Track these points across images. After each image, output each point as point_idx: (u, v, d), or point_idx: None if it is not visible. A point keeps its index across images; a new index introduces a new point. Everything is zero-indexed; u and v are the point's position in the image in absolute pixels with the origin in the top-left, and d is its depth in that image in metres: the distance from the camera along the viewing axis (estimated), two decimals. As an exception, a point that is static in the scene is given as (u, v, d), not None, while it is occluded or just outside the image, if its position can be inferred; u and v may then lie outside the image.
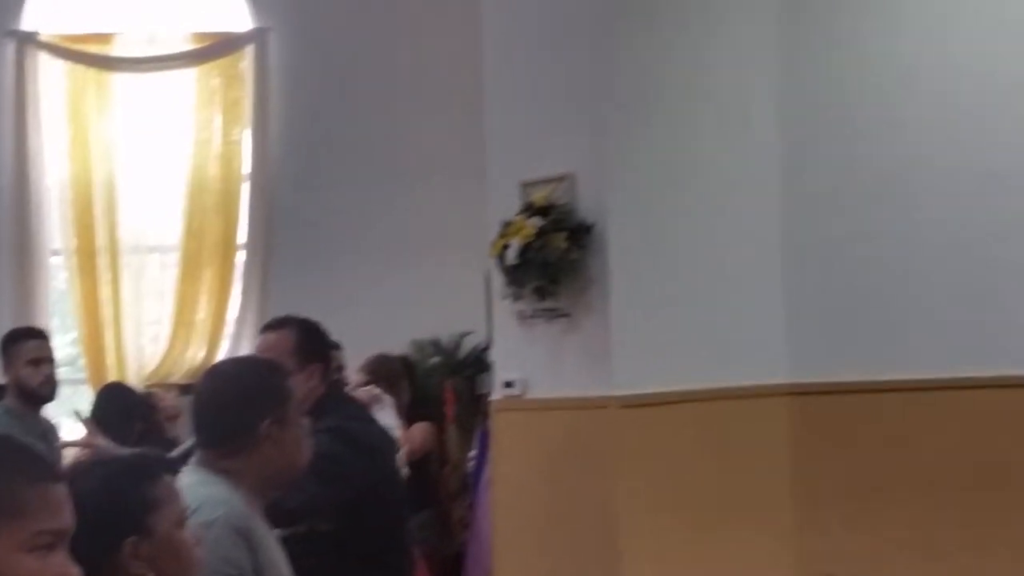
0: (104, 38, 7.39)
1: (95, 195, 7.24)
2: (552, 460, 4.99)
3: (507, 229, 4.88)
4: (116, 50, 7.36)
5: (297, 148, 7.37)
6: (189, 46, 7.41)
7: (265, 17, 7.40)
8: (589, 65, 4.93)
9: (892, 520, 5.00)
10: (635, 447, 4.83)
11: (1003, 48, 4.89)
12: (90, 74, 7.30)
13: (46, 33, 7.34)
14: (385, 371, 6.06)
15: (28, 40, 7.25)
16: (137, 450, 2.80)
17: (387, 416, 5.34)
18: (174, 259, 7.31)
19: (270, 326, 3.73)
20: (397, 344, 6.68)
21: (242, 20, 7.48)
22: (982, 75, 4.93)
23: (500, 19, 5.24)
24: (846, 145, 5.19)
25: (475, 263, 5.65)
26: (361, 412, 3.95)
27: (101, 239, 7.22)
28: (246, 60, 7.39)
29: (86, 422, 4.91)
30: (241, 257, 7.37)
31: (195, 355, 7.24)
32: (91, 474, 2.12)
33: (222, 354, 7.19)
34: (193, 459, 2.73)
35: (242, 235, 7.38)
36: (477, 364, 6.72)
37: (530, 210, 4.86)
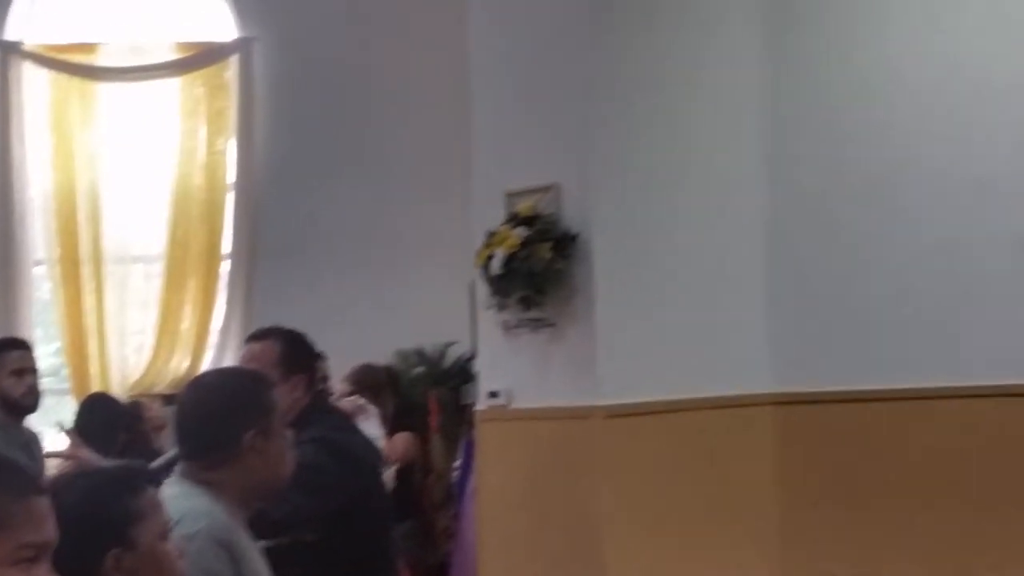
0: (88, 48, 7.38)
1: (79, 205, 7.23)
2: (537, 470, 4.98)
3: (492, 239, 4.88)
4: (100, 60, 7.36)
5: (282, 158, 7.37)
6: (173, 56, 7.40)
7: (250, 27, 7.40)
8: (574, 76, 4.93)
9: (876, 528, 5.01)
10: (620, 457, 4.83)
11: (991, 54, 4.90)
12: (74, 83, 7.29)
13: (30, 42, 7.33)
14: (370, 381, 6.05)
15: (12, 49, 7.24)
16: (120, 462, 2.80)
17: (372, 426, 5.33)
18: (158, 269, 7.30)
19: (255, 336, 3.72)
20: (381, 354, 6.67)
21: (227, 30, 7.48)
22: (970, 81, 4.94)
23: (486, 29, 5.25)
24: (831, 156, 5.21)
25: (460, 273, 5.65)
26: (346, 423, 3.94)
27: (85, 249, 7.21)
28: (231, 70, 7.40)
29: (69, 433, 4.89)
30: (226, 267, 7.37)
31: (179, 365, 7.23)
32: (74, 486, 2.11)
33: (206, 364, 7.18)
34: (176, 470, 2.72)
35: (227, 245, 7.37)
36: (462, 374, 6.72)
37: (515, 220, 4.87)
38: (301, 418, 3.46)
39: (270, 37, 7.38)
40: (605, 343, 4.79)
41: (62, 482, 2.12)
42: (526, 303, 4.85)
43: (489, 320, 5.07)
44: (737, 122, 5.24)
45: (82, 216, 7.22)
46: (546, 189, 4.91)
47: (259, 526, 2.83)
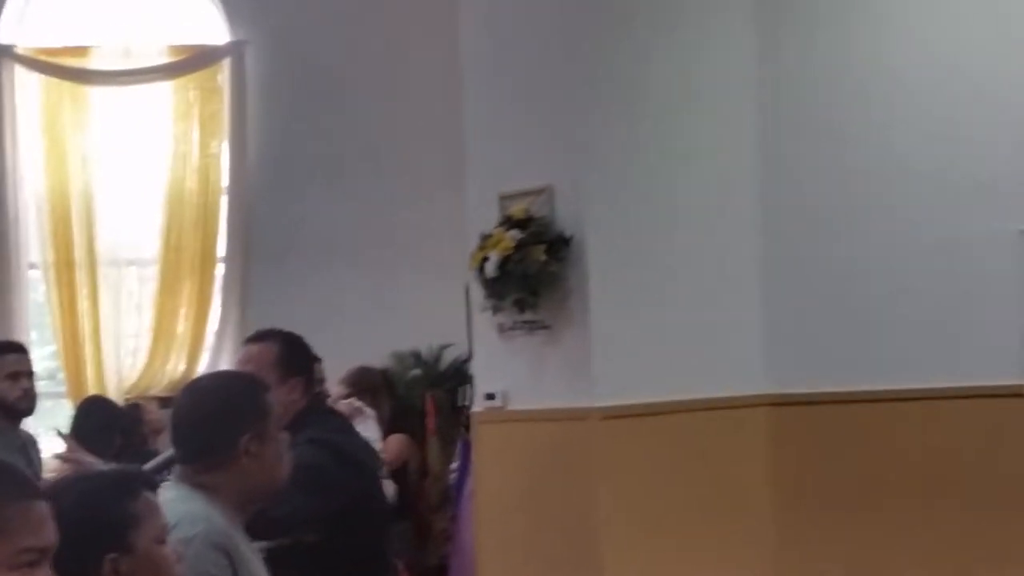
0: (80, 51, 7.37)
1: (73, 208, 7.22)
2: (534, 471, 4.99)
3: (486, 242, 4.89)
4: (92, 63, 7.35)
5: (275, 161, 7.36)
6: (166, 59, 7.40)
7: (242, 30, 7.39)
8: (567, 77, 4.94)
9: (871, 529, 5.02)
10: (616, 458, 4.84)
11: (989, 54, 4.91)
12: (66, 87, 7.28)
13: (22, 46, 7.32)
14: (366, 383, 6.06)
15: (4, 53, 7.22)
16: (117, 466, 2.80)
17: (369, 429, 5.34)
18: (153, 272, 7.29)
19: (253, 338, 3.71)
20: (377, 356, 6.68)
21: (219, 33, 7.47)
22: (968, 81, 4.94)
23: (478, 32, 5.25)
24: (825, 156, 5.21)
25: (455, 275, 5.65)
26: (344, 425, 3.94)
27: (79, 252, 7.20)
28: (223, 73, 7.39)
29: (66, 438, 4.89)
30: (220, 270, 7.36)
31: (175, 368, 7.23)
32: (71, 490, 2.12)
33: (202, 367, 7.17)
34: (172, 474, 2.72)
35: (221, 248, 7.37)
36: (458, 376, 6.73)
37: (509, 223, 4.87)
38: (299, 420, 3.46)
39: (262, 40, 7.38)
40: (600, 345, 4.79)
41: (59, 486, 2.12)
42: (521, 305, 4.86)
43: (484, 322, 5.07)
44: (732, 123, 5.25)
45: (76, 219, 7.21)
46: (539, 191, 4.92)
47: (261, 526, 2.83)
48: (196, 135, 7.37)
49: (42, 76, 7.26)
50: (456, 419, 6.47)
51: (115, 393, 6.93)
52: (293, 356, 3.61)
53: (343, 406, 5.18)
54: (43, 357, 7.22)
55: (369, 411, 5.55)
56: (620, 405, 4.81)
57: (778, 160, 5.27)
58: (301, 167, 7.33)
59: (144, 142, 7.32)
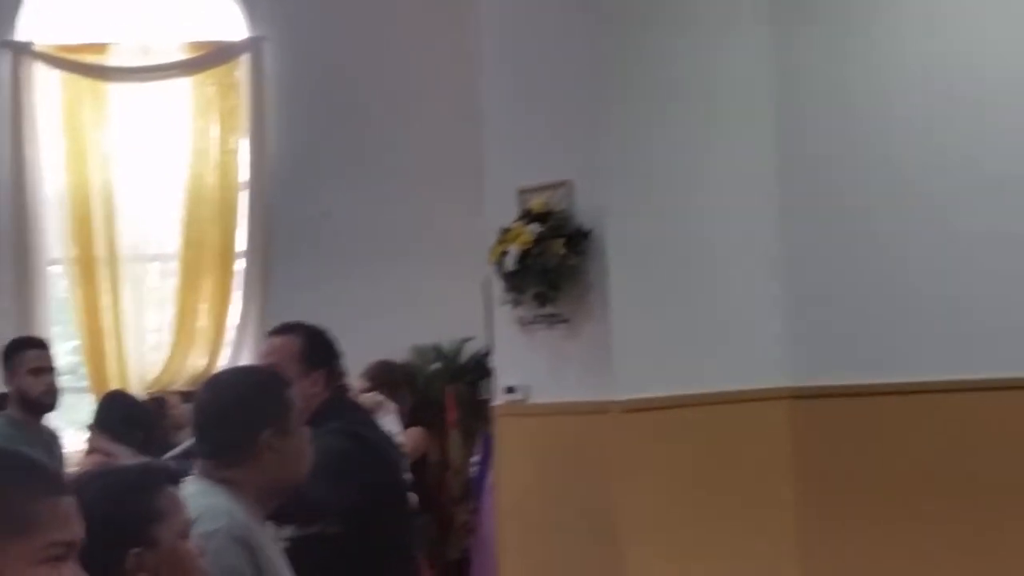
0: (99, 48, 7.39)
1: (93, 204, 7.24)
2: (554, 465, 4.99)
3: (505, 236, 4.89)
4: (112, 60, 7.37)
5: (294, 156, 7.38)
6: (184, 55, 7.41)
7: (260, 26, 7.41)
8: (586, 72, 4.93)
9: (895, 523, 5.00)
10: (637, 451, 4.84)
11: (1009, 51, 4.89)
12: (86, 84, 7.30)
13: (41, 43, 7.34)
14: (387, 377, 6.07)
15: (23, 50, 7.25)
16: (141, 461, 2.81)
17: (390, 423, 5.35)
18: (174, 267, 7.32)
19: (276, 331, 3.74)
20: (398, 350, 6.69)
21: (237, 29, 7.49)
22: (983, 77, 4.93)
23: (497, 26, 5.25)
24: (845, 149, 5.20)
25: (475, 269, 5.65)
26: (366, 417, 3.97)
27: (100, 248, 7.23)
28: (242, 69, 7.40)
29: (94, 431, 4.92)
30: (240, 265, 7.38)
31: (196, 363, 7.25)
32: (94, 485, 2.13)
33: (223, 361, 7.20)
34: (194, 469, 2.73)
35: (241, 243, 7.39)
36: (478, 370, 6.73)
37: (528, 216, 4.87)
38: (322, 412, 3.49)
39: (280, 36, 7.39)
40: (620, 338, 4.79)
41: (83, 481, 2.13)
42: (541, 299, 4.86)
43: (504, 316, 5.07)
44: (750, 117, 5.23)
45: (97, 215, 7.24)
46: (559, 185, 4.91)
47: (289, 511, 2.84)
48: (215, 131, 7.39)
49: (62, 73, 7.29)
50: (477, 413, 6.48)
51: (137, 388, 6.96)
52: (316, 349, 3.63)
53: (364, 400, 5.19)
54: (65, 352, 7.25)
55: (390, 405, 5.56)
56: (640, 398, 4.81)
57: (796, 154, 5.25)
58: (320, 162, 7.34)
59: (163, 138, 7.34)
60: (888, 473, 5.04)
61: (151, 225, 7.36)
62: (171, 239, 7.34)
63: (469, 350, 7.00)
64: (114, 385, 6.91)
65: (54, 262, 7.29)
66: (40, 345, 5.05)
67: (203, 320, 7.29)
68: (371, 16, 7.34)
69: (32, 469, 1.70)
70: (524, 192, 4.99)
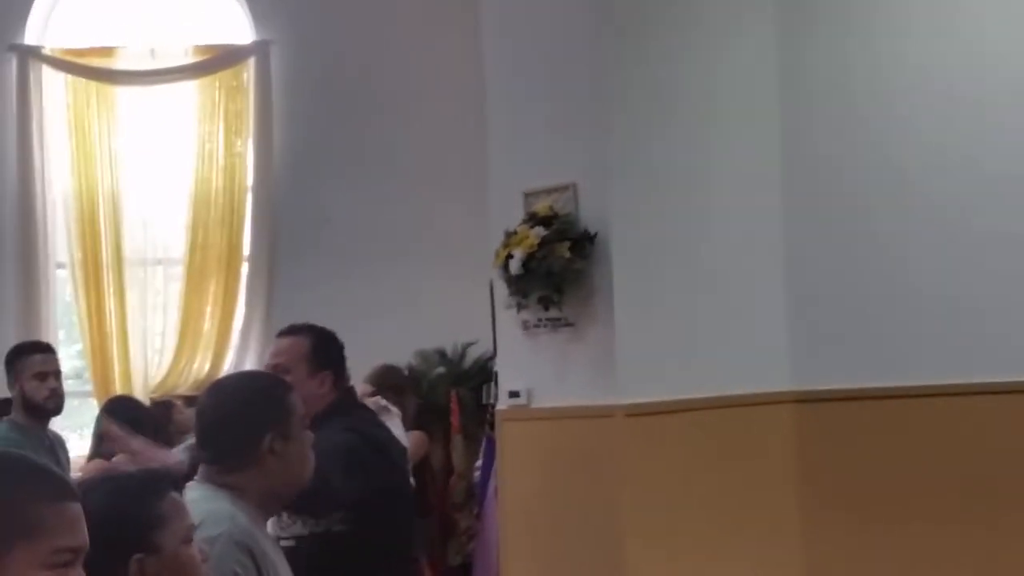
0: (107, 51, 7.42)
1: (99, 208, 7.26)
2: (558, 469, 4.99)
3: (510, 239, 4.88)
4: (119, 63, 7.39)
5: (300, 159, 7.39)
6: (191, 59, 7.43)
7: (266, 29, 7.42)
8: (590, 75, 4.93)
9: (900, 526, 4.99)
10: (641, 455, 4.83)
11: (1014, 52, 4.89)
12: (93, 87, 7.32)
13: (49, 47, 7.37)
14: (391, 381, 6.07)
15: (31, 54, 7.27)
16: (144, 467, 2.81)
17: (394, 427, 5.34)
18: (179, 271, 7.33)
19: (284, 332, 3.78)
20: (402, 354, 6.69)
21: (244, 33, 7.50)
22: (985, 79, 4.93)
23: (500, 29, 5.25)
24: (849, 153, 5.19)
25: (479, 273, 5.65)
26: (374, 419, 4.00)
27: (106, 252, 7.24)
28: (248, 72, 7.42)
29: (118, 425, 4.92)
30: (245, 269, 7.39)
31: (201, 366, 7.26)
32: (98, 491, 2.13)
33: (228, 365, 7.20)
34: (197, 474, 2.73)
35: (246, 247, 7.40)
36: (482, 374, 6.72)
37: (533, 220, 4.87)
38: (329, 412, 3.53)
39: (286, 39, 7.40)
40: (624, 342, 4.79)
41: (86, 486, 2.13)
42: (545, 303, 4.85)
43: (509, 320, 5.07)
44: (756, 120, 5.23)
45: (103, 219, 7.25)
46: (563, 188, 4.91)
47: (303, 502, 2.85)
48: (221, 134, 7.40)
49: (69, 76, 7.31)
50: (480, 417, 6.48)
51: (141, 392, 6.97)
52: (323, 350, 3.67)
53: (369, 404, 5.19)
54: (70, 356, 7.27)
55: (394, 409, 5.56)
56: (644, 402, 4.80)
57: (802, 157, 5.24)
58: (326, 165, 7.35)
59: (170, 141, 7.36)
60: (893, 477, 5.03)
61: (157, 229, 7.37)
62: (177, 243, 7.35)
63: (473, 354, 7.00)
64: (118, 389, 6.92)
65: (60, 265, 7.31)
66: (45, 349, 5.05)
67: (208, 324, 7.29)
68: (375, 19, 7.35)
69: (38, 474, 1.71)
70: (529, 195, 4.99)
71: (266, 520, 2.74)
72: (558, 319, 4.89)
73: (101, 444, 5.16)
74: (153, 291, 7.34)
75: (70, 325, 7.43)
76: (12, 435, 4.70)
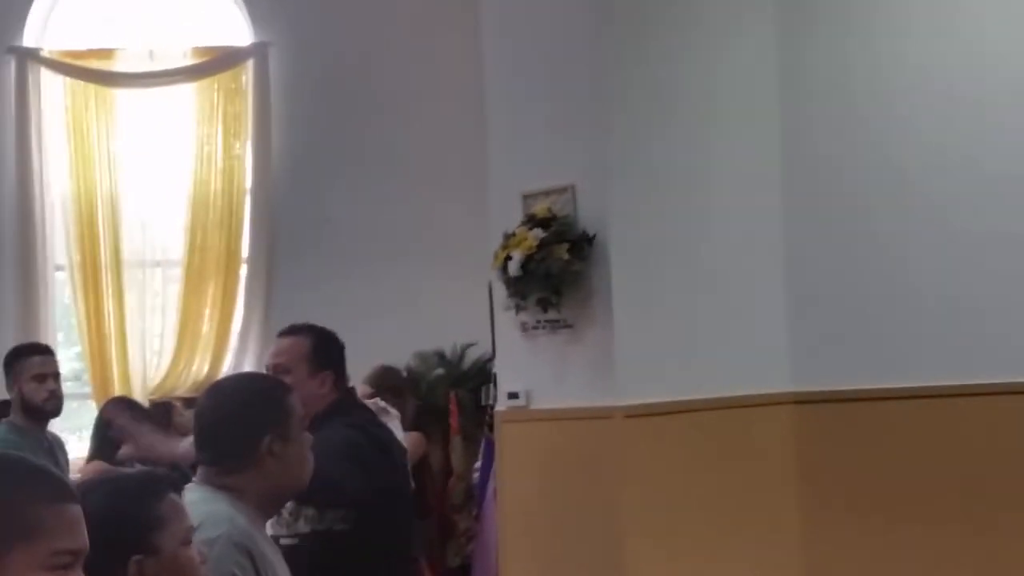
0: (105, 54, 7.42)
1: (98, 210, 7.26)
2: (557, 470, 4.99)
3: (509, 241, 4.88)
4: (117, 65, 7.39)
5: (298, 161, 7.39)
6: (190, 61, 7.43)
7: (265, 31, 7.42)
8: (590, 76, 4.93)
9: (900, 527, 4.99)
10: (640, 457, 4.83)
11: (1015, 51, 4.89)
12: (91, 90, 7.32)
13: (47, 49, 7.37)
14: (389, 383, 6.06)
15: (29, 56, 7.28)
16: (143, 468, 2.81)
17: (394, 428, 5.34)
18: (177, 273, 7.33)
19: (285, 332, 3.81)
20: (400, 356, 6.69)
21: (242, 35, 7.50)
22: (985, 78, 4.92)
23: (499, 31, 5.25)
24: (849, 154, 5.19)
25: (478, 274, 5.65)
26: (375, 418, 4.02)
27: (105, 254, 7.24)
28: (247, 74, 7.42)
29: (117, 408, 4.91)
30: (244, 270, 7.39)
31: (200, 368, 7.26)
32: (97, 492, 2.13)
33: (226, 366, 7.20)
34: (195, 476, 2.73)
35: (245, 249, 7.40)
36: (481, 375, 6.73)
37: (531, 222, 4.87)
38: (330, 412, 3.55)
39: (285, 41, 7.40)
40: (623, 343, 4.79)
41: (85, 488, 2.13)
42: (544, 304, 4.85)
43: (507, 321, 5.07)
44: (755, 121, 5.23)
45: (102, 221, 7.26)
46: (562, 190, 4.91)
47: (311, 492, 2.87)
48: (220, 136, 7.40)
49: (67, 79, 7.31)
50: (479, 418, 6.47)
51: (140, 394, 6.97)
52: (324, 350, 3.69)
53: (368, 405, 5.19)
54: (69, 358, 7.27)
55: (393, 411, 5.55)
56: (643, 404, 4.80)
57: (801, 158, 5.24)
58: (324, 167, 7.35)
59: (168, 144, 7.36)
60: (892, 478, 5.03)
61: (155, 231, 7.37)
62: (175, 245, 7.35)
63: (472, 355, 7.00)
64: (118, 391, 6.92)
65: (58, 268, 7.31)
66: (43, 351, 5.05)
67: (207, 326, 7.30)
68: (374, 21, 7.35)
69: (37, 475, 1.70)
70: (528, 197, 4.99)
71: (265, 522, 2.74)
72: (557, 320, 4.89)
73: (105, 439, 5.17)
74: (152, 293, 7.34)
75: (69, 327, 7.43)
76: (11, 437, 4.70)
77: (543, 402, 5.00)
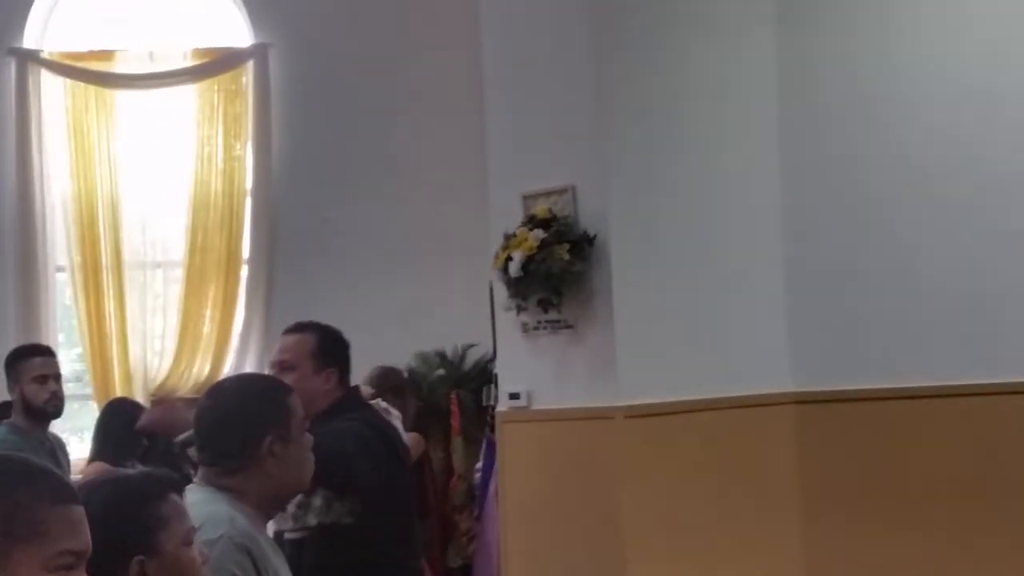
0: (105, 55, 7.42)
1: (99, 211, 7.26)
2: (558, 471, 4.99)
3: (509, 241, 4.89)
4: (117, 67, 7.39)
5: (299, 162, 7.39)
6: (190, 62, 7.43)
7: (265, 33, 7.42)
8: (589, 77, 4.93)
9: (900, 529, 4.99)
10: (641, 457, 4.83)
11: (1007, 57, 4.89)
12: (92, 91, 7.32)
13: (48, 51, 7.37)
14: (390, 383, 6.06)
15: (30, 58, 7.28)
16: (144, 469, 2.82)
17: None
18: (178, 274, 7.33)
19: (290, 329, 3.86)
20: (402, 356, 6.69)
21: (242, 36, 7.50)
22: (985, 82, 4.93)
23: (500, 32, 5.26)
24: (848, 154, 5.19)
25: (479, 275, 5.66)
26: (379, 416, 4.05)
27: (106, 255, 7.24)
28: (247, 75, 7.42)
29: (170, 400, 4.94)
30: (245, 271, 7.39)
31: (201, 369, 7.26)
32: (98, 493, 2.13)
33: (227, 367, 7.21)
34: (196, 477, 2.74)
35: (246, 249, 7.40)
36: (482, 376, 6.73)
37: (532, 222, 4.87)
38: (335, 410, 3.58)
39: (285, 43, 7.40)
40: (624, 343, 4.79)
41: (87, 489, 2.13)
42: (544, 305, 4.86)
43: (508, 322, 5.08)
44: (754, 121, 5.23)
45: (102, 222, 7.26)
46: (562, 191, 4.91)
47: (324, 475, 2.92)
48: (220, 137, 7.40)
49: (68, 80, 7.31)
50: (481, 419, 6.48)
51: (141, 395, 6.97)
52: (329, 347, 3.73)
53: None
54: (70, 359, 7.28)
55: (395, 412, 5.56)
56: (644, 404, 4.81)
57: (801, 158, 5.24)
58: (325, 168, 7.35)
59: (169, 145, 7.36)
60: (892, 478, 5.03)
61: (156, 232, 7.37)
62: (176, 246, 7.36)
63: (473, 356, 7.00)
64: (118, 392, 6.92)
65: (59, 269, 7.31)
66: (45, 352, 5.06)
67: (207, 327, 7.30)
68: (375, 22, 7.35)
69: (39, 476, 1.70)
70: (528, 197, 4.99)
71: (265, 522, 2.75)
72: (558, 321, 4.89)
73: (107, 439, 5.18)
74: (153, 294, 7.34)
75: (70, 328, 7.43)
76: (11, 438, 4.70)
77: (544, 402, 5.01)
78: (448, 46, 7.00)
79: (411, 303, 7.08)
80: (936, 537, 4.92)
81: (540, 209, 4.90)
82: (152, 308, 7.32)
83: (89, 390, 7.23)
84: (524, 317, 4.97)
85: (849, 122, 5.19)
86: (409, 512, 3.87)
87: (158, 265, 7.37)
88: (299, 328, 3.81)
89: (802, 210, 5.23)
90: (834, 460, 5.13)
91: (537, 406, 5.03)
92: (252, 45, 7.44)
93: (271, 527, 3.51)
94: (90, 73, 7.34)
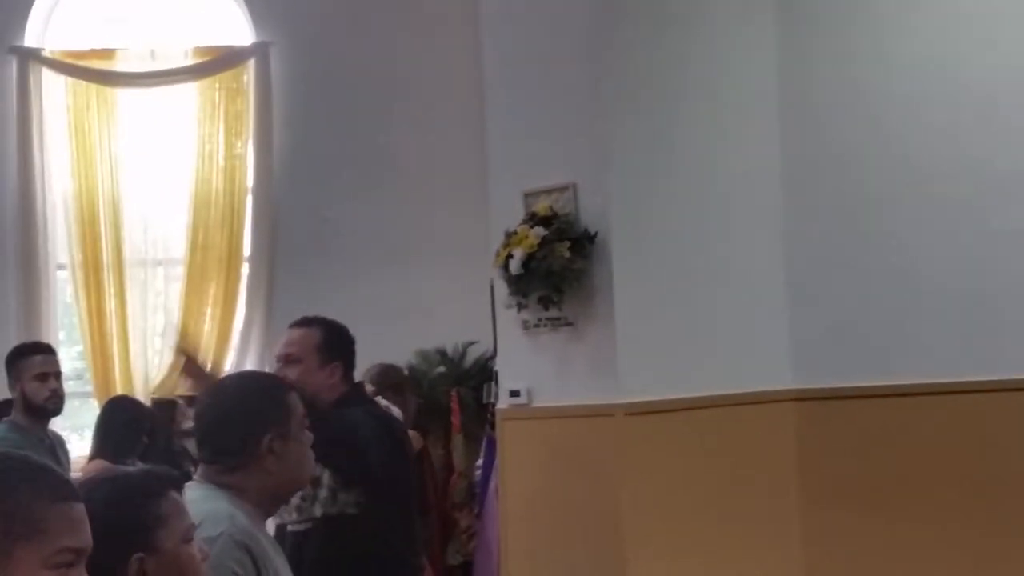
0: (107, 53, 7.43)
1: (100, 209, 7.27)
2: (559, 468, 4.99)
3: (510, 239, 4.89)
4: (119, 65, 7.40)
5: (300, 160, 7.39)
6: (191, 61, 7.44)
7: (266, 31, 7.42)
8: (590, 75, 4.93)
9: (900, 526, 5.00)
10: (641, 454, 4.83)
11: (1009, 55, 4.89)
12: (93, 89, 7.33)
13: (49, 49, 7.38)
14: (391, 381, 6.07)
15: (31, 56, 7.28)
16: (144, 466, 2.82)
17: (395, 426, 5.36)
18: (179, 272, 7.34)
19: (297, 323, 3.90)
20: (402, 354, 6.69)
21: (243, 34, 7.51)
22: (985, 82, 4.93)
23: (500, 30, 5.26)
24: (849, 151, 5.20)
25: (479, 272, 5.66)
26: (383, 411, 4.08)
27: (107, 253, 7.25)
28: (248, 74, 7.43)
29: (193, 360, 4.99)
30: (246, 269, 7.40)
31: (201, 367, 7.25)
32: (98, 491, 2.13)
33: (228, 366, 7.21)
34: (196, 474, 2.74)
35: (246, 247, 7.40)
36: (483, 373, 6.73)
37: (533, 220, 4.88)
38: (340, 402, 3.61)
39: (286, 41, 7.40)
40: (625, 341, 4.79)
41: (87, 486, 2.14)
42: (545, 302, 4.86)
43: (509, 319, 5.08)
44: (755, 119, 5.23)
45: (103, 220, 7.27)
46: (563, 188, 4.92)
47: (333, 457, 2.95)
48: (221, 135, 7.41)
49: (69, 79, 7.32)
50: (481, 416, 6.48)
51: (141, 392, 6.98)
52: (334, 342, 3.76)
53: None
54: (71, 357, 7.28)
55: (395, 410, 5.56)
56: (645, 401, 4.81)
57: (802, 156, 5.25)
58: (326, 166, 7.35)
59: (170, 143, 7.37)
60: (893, 476, 5.03)
61: (157, 230, 7.38)
62: (177, 244, 7.36)
63: (473, 354, 7.01)
64: (119, 390, 6.93)
65: (60, 267, 7.32)
66: (45, 350, 5.05)
67: (208, 325, 7.30)
68: (377, 21, 7.36)
69: (40, 474, 1.71)
70: (529, 195, 5.00)
71: (265, 519, 2.75)
72: (558, 318, 4.90)
73: (107, 437, 5.18)
74: (153, 292, 7.35)
75: (71, 326, 7.44)
76: (12, 436, 4.70)
77: (544, 400, 5.01)
78: (448, 44, 7.01)
79: (411, 301, 7.08)
80: (936, 534, 4.93)
81: (541, 207, 4.90)
82: (153, 306, 7.34)
83: (90, 388, 7.24)
84: (525, 314, 4.97)
85: (849, 122, 5.19)
86: (411, 506, 3.90)
87: (159, 263, 7.38)
88: (305, 322, 3.84)
89: (803, 208, 5.23)
90: (834, 457, 5.13)
91: (538, 403, 5.03)
92: (253, 44, 7.44)
93: (274, 520, 3.54)
94: (91, 71, 7.35)
